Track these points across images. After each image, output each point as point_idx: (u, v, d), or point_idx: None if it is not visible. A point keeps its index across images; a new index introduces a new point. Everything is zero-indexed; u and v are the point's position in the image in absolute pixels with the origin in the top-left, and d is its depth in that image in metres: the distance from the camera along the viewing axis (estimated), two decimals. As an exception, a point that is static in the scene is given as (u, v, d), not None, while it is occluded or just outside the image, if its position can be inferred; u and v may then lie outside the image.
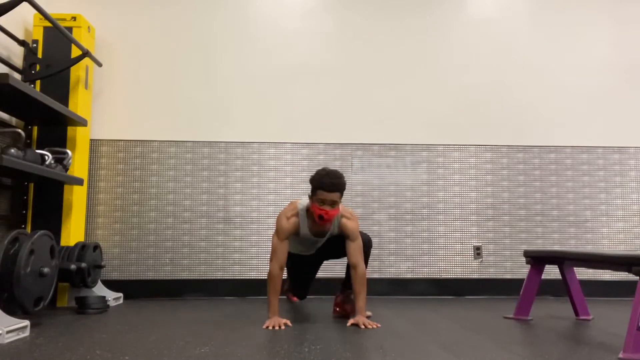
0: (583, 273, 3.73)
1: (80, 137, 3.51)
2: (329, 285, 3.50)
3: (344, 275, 3.05)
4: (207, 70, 3.96)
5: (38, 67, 3.38)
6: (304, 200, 2.72)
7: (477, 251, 3.94)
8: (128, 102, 3.89)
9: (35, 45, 3.41)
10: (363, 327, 2.53)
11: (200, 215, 3.83)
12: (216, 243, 3.82)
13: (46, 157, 2.96)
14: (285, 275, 2.90)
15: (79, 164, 3.47)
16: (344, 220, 2.68)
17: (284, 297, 3.41)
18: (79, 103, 3.46)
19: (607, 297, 3.83)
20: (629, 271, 2.14)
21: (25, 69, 3.35)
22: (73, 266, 2.95)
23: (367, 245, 2.84)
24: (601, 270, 3.88)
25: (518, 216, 3.99)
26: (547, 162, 4.05)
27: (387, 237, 3.91)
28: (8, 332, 2.15)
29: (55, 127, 3.39)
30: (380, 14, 4.10)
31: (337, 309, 2.98)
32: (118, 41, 3.91)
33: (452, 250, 3.94)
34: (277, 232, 2.67)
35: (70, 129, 3.44)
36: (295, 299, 3.42)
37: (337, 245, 2.77)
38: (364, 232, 2.89)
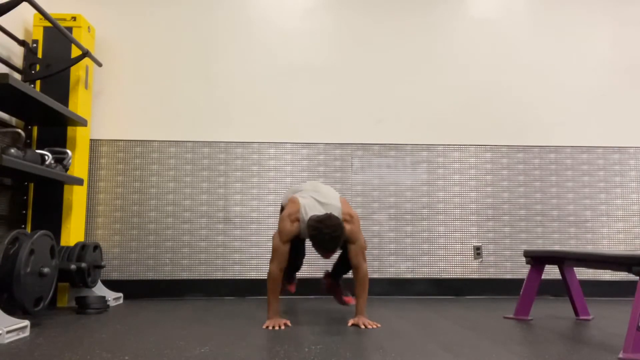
0: (583, 273, 3.73)
1: (80, 137, 3.51)
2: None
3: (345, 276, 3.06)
4: (207, 70, 3.96)
5: (38, 67, 3.38)
6: (307, 205, 2.66)
7: (477, 251, 3.94)
8: (128, 102, 3.89)
9: (35, 45, 3.41)
10: (363, 327, 2.53)
11: (200, 215, 3.83)
12: (216, 243, 3.82)
13: (46, 157, 2.96)
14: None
15: (79, 164, 3.47)
16: (344, 223, 2.63)
17: (285, 297, 3.40)
18: (79, 103, 3.47)
19: (607, 297, 3.83)
20: (629, 271, 2.14)
21: (25, 69, 3.35)
22: (73, 266, 2.95)
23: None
24: (601, 270, 3.88)
25: (518, 216, 3.99)
26: (547, 162, 4.05)
27: (387, 237, 3.91)
28: (8, 332, 2.15)
29: (55, 127, 3.39)
30: (380, 14, 4.10)
31: (327, 285, 3.16)
32: (118, 41, 3.91)
33: (452, 250, 3.94)
34: (280, 234, 2.64)
35: (70, 129, 3.44)
36: (292, 288, 3.37)
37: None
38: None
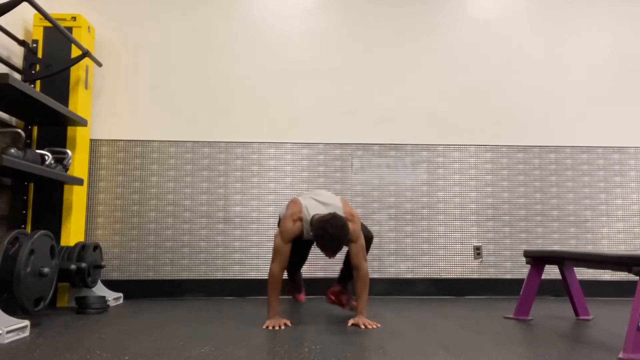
0: (583, 273, 3.73)
1: (80, 137, 3.51)
2: (329, 285, 3.50)
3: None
4: (207, 70, 3.96)
5: (38, 67, 3.38)
6: (308, 205, 2.68)
7: (477, 251, 3.94)
8: (128, 102, 3.89)
9: (35, 45, 3.41)
10: (363, 327, 2.53)
11: (200, 215, 3.83)
12: (216, 243, 3.82)
13: (46, 157, 2.96)
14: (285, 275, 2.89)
15: (79, 164, 3.47)
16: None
17: (285, 297, 3.40)
18: (79, 103, 3.47)
19: (607, 297, 3.83)
20: (629, 271, 2.14)
21: (25, 69, 3.35)
22: (73, 266, 2.95)
23: (367, 241, 2.82)
24: (601, 270, 3.88)
25: (518, 216, 3.99)
26: (547, 162, 4.05)
27: (387, 237, 3.91)
28: (8, 332, 2.15)
29: (55, 127, 3.39)
30: (381, 14, 4.10)
31: (332, 297, 3.01)
32: (118, 41, 3.91)
33: (452, 250, 3.94)
34: (282, 234, 2.64)
35: (70, 129, 3.44)
36: (301, 297, 3.41)
37: None
38: (367, 229, 2.87)
